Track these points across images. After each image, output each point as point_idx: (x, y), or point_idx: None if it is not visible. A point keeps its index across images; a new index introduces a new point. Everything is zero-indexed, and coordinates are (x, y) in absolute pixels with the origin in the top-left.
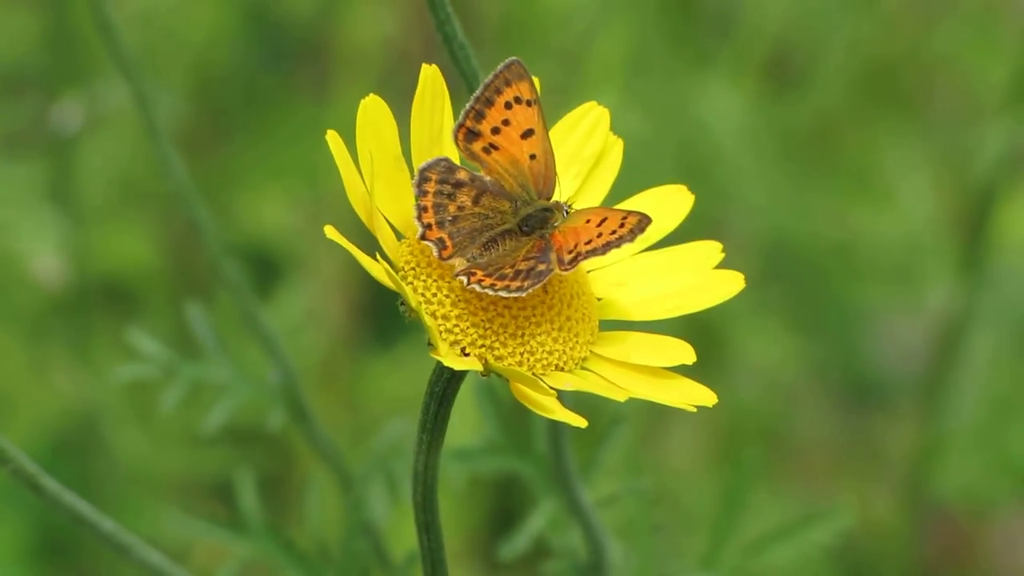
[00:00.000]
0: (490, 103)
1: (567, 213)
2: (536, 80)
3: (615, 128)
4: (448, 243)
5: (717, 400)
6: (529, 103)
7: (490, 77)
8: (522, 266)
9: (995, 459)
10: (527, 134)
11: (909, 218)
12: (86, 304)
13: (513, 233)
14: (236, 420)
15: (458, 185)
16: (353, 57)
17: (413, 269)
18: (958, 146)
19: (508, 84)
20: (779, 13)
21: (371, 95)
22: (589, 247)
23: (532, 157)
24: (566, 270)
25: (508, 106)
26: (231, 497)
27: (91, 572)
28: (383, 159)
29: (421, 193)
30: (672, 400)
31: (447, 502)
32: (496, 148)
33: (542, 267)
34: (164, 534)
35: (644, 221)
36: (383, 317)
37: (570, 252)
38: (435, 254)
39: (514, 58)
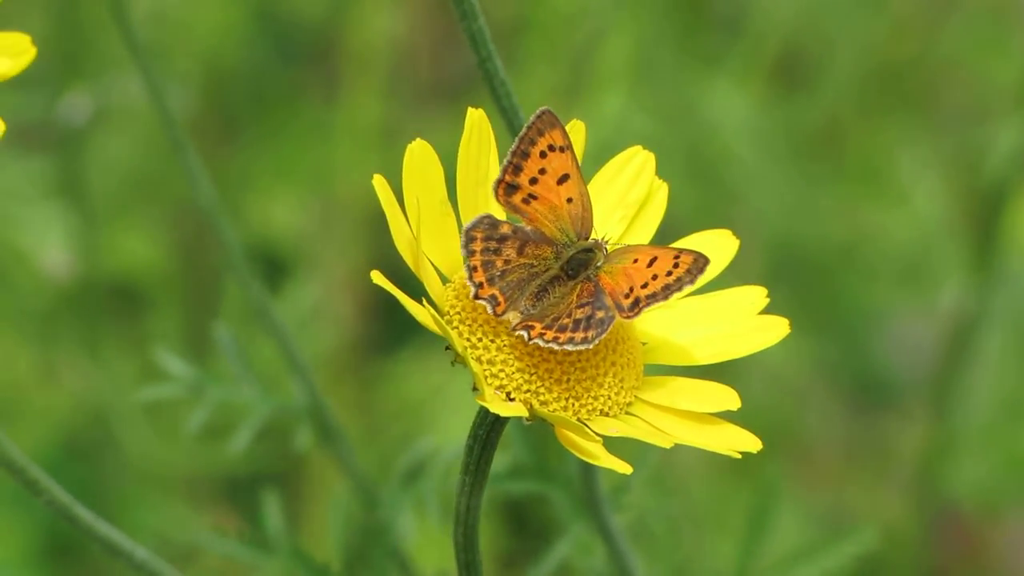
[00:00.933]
0: (526, 155)
1: (607, 251)
2: (574, 126)
3: (623, 129)
4: (500, 299)
5: (762, 446)
6: (562, 149)
7: (524, 129)
8: (579, 314)
9: (1005, 459)
10: (563, 179)
11: (919, 219)
12: (95, 302)
13: (560, 279)
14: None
15: (502, 240)
16: (362, 57)
17: (459, 314)
18: (968, 147)
19: (541, 134)
20: (788, 14)
21: (418, 140)
22: (648, 291)
23: (569, 201)
24: (629, 318)
25: (543, 155)
26: (243, 495)
27: (98, 575)
28: (429, 203)
29: (469, 253)
30: (718, 447)
31: None
32: (535, 198)
33: (600, 314)
34: (174, 532)
35: (701, 260)
36: (392, 318)
37: (627, 297)
38: (489, 311)
39: (545, 108)
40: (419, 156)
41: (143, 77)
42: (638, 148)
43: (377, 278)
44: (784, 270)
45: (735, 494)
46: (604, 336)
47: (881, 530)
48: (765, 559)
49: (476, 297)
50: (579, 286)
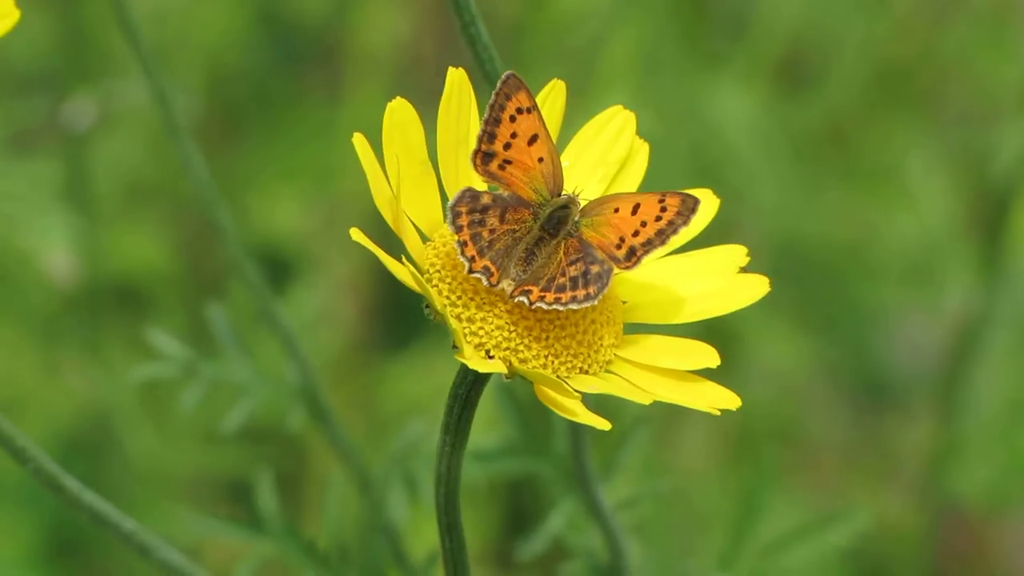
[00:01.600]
0: (498, 122)
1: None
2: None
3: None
4: (493, 269)
5: (741, 403)
6: (529, 110)
7: (492, 96)
8: (572, 272)
9: (1010, 459)
10: (532, 140)
11: (924, 218)
12: (98, 303)
13: (543, 239)
14: (251, 418)
15: (485, 210)
16: (366, 58)
17: (438, 272)
18: (973, 146)
19: (508, 99)
20: (792, 14)
21: (398, 98)
22: (642, 239)
23: (540, 160)
24: (628, 268)
25: (512, 119)
26: (245, 495)
27: (104, 573)
28: (409, 162)
29: (456, 228)
30: (697, 403)
31: (465, 503)
32: (510, 162)
33: (596, 268)
34: (177, 533)
35: (690, 201)
36: (396, 318)
37: (619, 247)
38: (484, 284)
39: (509, 72)
40: (399, 115)
41: (146, 79)
42: (618, 107)
43: (356, 235)
44: (788, 269)
45: (735, 487)
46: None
47: (884, 529)
48: (759, 542)
49: (470, 271)
50: (563, 244)
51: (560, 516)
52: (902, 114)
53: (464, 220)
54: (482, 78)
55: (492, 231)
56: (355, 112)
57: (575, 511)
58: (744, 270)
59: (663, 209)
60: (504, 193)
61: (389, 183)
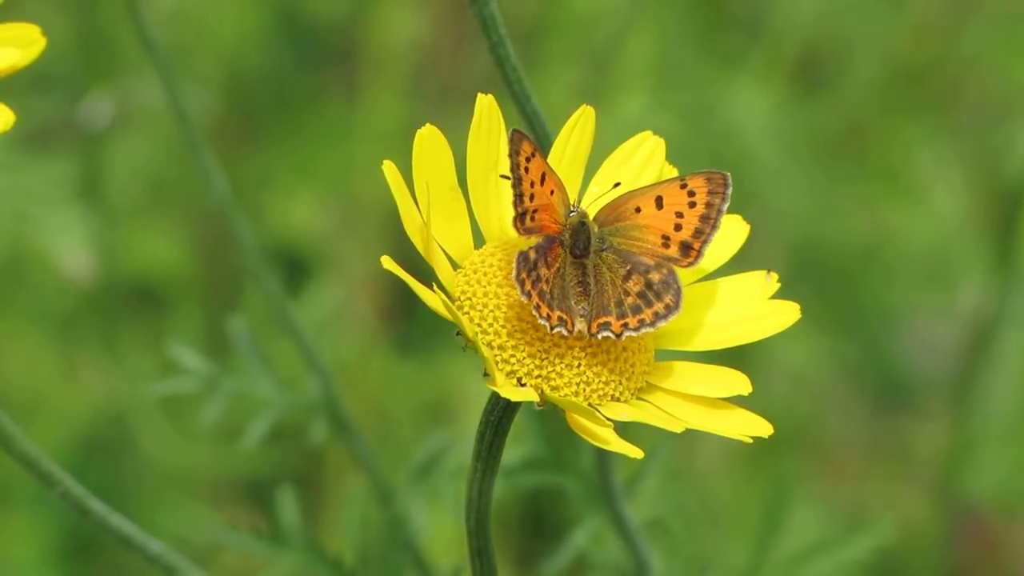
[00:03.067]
0: (520, 181)
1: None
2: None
3: (644, 130)
4: (567, 318)
5: (772, 430)
6: (533, 154)
7: (510, 159)
8: (634, 287)
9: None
10: (543, 179)
11: (940, 219)
12: (116, 303)
13: (583, 266)
14: (277, 422)
15: (535, 265)
16: (383, 59)
17: (469, 299)
18: (988, 147)
19: (519, 153)
20: (808, 14)
21: (427, 126)
22: (689, 231)
23: (552, 193)
24: (692, 263)
25: (527, 170)
26: (265, 497)
27: (118, 573)
28: (439, 189)
29: (526, 295)
30: (728, 431)
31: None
32: (537, 210)
33: (657, 276)
34: (196, 532)
35: (716, 177)
36: (412, 320)
37: (667, 246)
38: (565, 335)
39: (513, 129)
40: (429, 141)
41: (160, 78)
42: (648, 133)
43: (387, 263)
44: (805, 270)
45: (755, 491)
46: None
47: (901, 529)
48: (781, 553)
49: (553, 329)
50: (603, 261)
51: (585, 532)
52: (918, 114)
53: (528, 284)
54: (509, 97)
55: (548, 281)
56: (372, 112)
57: (599, 525)
58: (761, 268)
59: (691, 193)
60: (539, 239)
61: (419, 210)
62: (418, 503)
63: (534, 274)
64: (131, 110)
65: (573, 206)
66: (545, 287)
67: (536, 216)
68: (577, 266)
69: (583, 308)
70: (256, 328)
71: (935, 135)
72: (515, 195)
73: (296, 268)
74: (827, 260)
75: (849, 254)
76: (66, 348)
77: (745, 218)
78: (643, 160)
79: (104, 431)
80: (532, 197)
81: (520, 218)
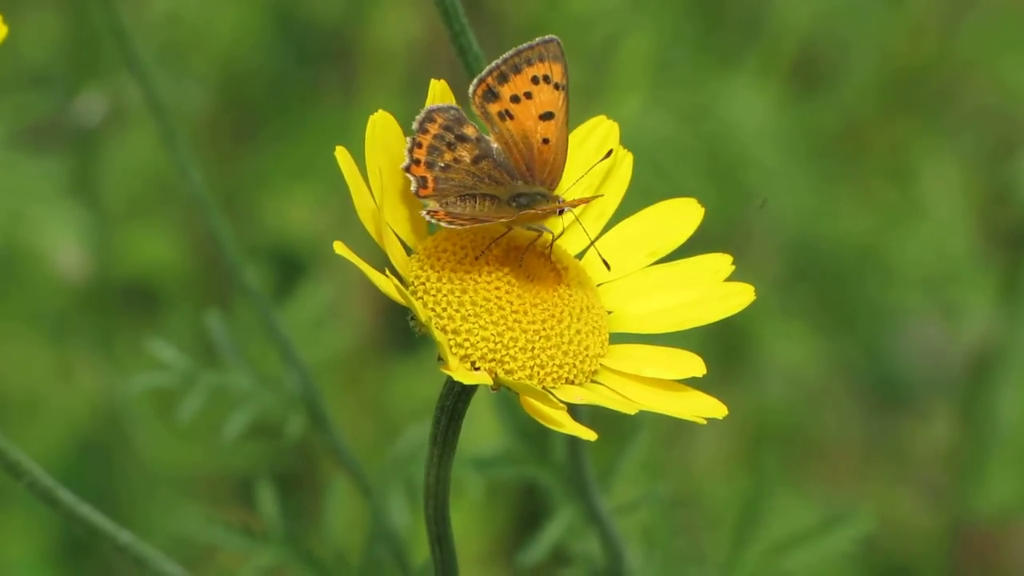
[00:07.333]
0: (517, 70)
1: (560, 212)
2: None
3: (641, 130)
4: (430, 185)
5: (727, 412)
6: (557, 86)
7: (525, 45)
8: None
9: None
10: (546, 116)
11: (938, 220)
12: (109, 302)
13: (499, 201)
14: (260, 418)
15: (462, 139)
16: (379, 59)
17: (423, 284)
18: (987, 147)
19: (541, 60)
20: (805, 15)
21: (380, 111)
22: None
23: (545, 141)
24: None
25: (535, 80)
26: (253, 497)
27: (116, 573)
28: (392, 174)
29: (421, 131)
30: (683, 413)
31: (469, 509)
32: (511, 117)
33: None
34: (189, 533)
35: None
36: (407, 318)
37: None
38: (412, 188)
39: (554, 37)
40: (382, 127)
41: (133, 73)
42: (602, 117)
43: (340, 248)
44: (802, 271)
45: (741, 486)
46: (568, 305)
47: (898, 529)
48: (760, 547)
49: (406, 169)
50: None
51: (559, 523)
52: (916, 115)
53: (434, 128)
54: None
55: (457, 160)
56: (369, 111)
57: (575, 518)
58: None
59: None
60: (493, 143)
61: (372, 195)
62: (397, 496)
63: (449, 135)
64: (126, 108)
65: (560, 196)
66: (446, 155)
67: (506, 121)
68: (496, 199)
69: (448, 202)
70: (249, 325)
71: (933, 135)
72: (496, 65)
73: (293, 267)
74: (825, 260)
75: (846, 255)
76: (60, 346)
77: (743, 218)
78: (597, 144)
79: (98, 430)
80: (515, 100)
81: (485, 91)
